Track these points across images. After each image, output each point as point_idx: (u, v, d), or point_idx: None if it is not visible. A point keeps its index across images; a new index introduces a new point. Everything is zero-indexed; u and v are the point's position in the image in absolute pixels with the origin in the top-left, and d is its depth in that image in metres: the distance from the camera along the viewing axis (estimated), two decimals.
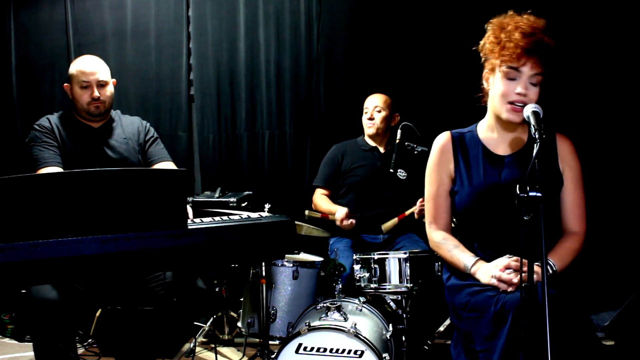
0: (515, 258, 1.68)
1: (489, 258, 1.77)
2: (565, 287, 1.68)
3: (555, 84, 3.11)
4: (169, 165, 2.51)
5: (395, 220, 2.81)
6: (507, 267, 1.67)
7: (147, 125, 2.58)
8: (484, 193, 1.79)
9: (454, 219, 1.99)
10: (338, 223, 2.82)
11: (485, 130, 1.89)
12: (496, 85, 1.75)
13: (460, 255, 1.81)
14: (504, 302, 1.59)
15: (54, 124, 2.38)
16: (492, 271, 1.69)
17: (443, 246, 1.87)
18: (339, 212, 2.82)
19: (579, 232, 1.82)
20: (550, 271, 1.70)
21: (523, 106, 1.66)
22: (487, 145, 1.86)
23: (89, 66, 2.40)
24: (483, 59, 1.82)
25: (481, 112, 1.93)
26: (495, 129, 1.86)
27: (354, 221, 2.82)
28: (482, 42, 1.81)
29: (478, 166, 1.84)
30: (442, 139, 1.92)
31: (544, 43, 1.68)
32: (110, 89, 2.45)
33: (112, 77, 2.48)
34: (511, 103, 1.71)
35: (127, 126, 2.52)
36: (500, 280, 1.66)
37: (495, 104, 1.77)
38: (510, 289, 1.63)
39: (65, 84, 2.46)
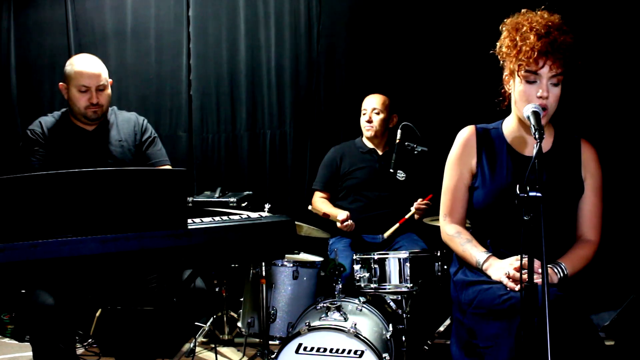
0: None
1: (501, 256, 1.76)
2: (571, 289, 1.67)
3: (578, 85, 3.08)
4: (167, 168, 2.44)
5: (396, 225, 2.79)
6: (523, 268, 1.66)
7: (144, 123, 2.47)
8: (506, 193, 1.76)
9: (468, 220, 1.97)
10: (339, 225, 2.83)
11: (511, 129, 1.85)
12: (517, 89, 1.72)
13: (473, 250, 1.80)
14: (514, 300, 1.57)
15: (45, 129, 2.29)
16: (506, 268, 1.68)
17: (455, 239, 1.85)
18: (341, 215, 2.84)
19: (593, 241, 1.81)
20: (562, 275, 1.69)
21: (546, 109, 1.64)
22: (512, 145, 1.84)
23: (90, 68, 2.29)
24: (501, 62, 1.78)
25: (481, 111, 1.91)
26: (520, 130, 1.82)
27: (353, 223, 2.83)
28: (498, 45, 1.77)
29: (502, 165, 1.81)
30: (466, 132, 1.88)
31: (560, 42, 1.63)
32: (108, 92, 2.35)
33: (112, 77, 2.41)
34: None
35: (123, 126, 2.42)
36: (513, 279, 1.64)
37: (519, 107, 1.73)
38: (517, 288, 1.61)
39: (60, 83, 2.35)
